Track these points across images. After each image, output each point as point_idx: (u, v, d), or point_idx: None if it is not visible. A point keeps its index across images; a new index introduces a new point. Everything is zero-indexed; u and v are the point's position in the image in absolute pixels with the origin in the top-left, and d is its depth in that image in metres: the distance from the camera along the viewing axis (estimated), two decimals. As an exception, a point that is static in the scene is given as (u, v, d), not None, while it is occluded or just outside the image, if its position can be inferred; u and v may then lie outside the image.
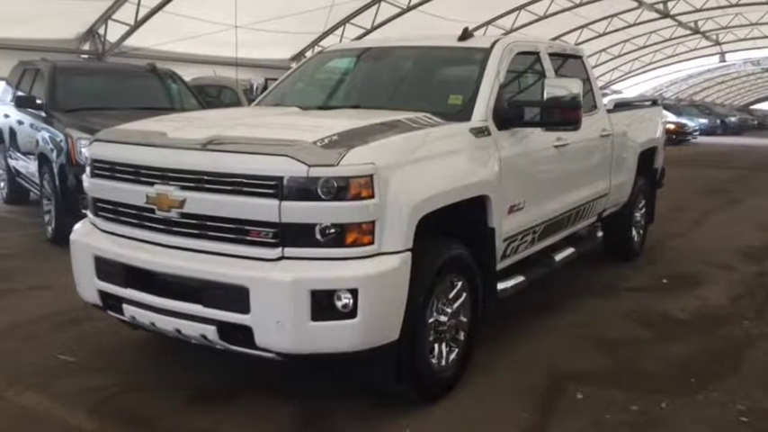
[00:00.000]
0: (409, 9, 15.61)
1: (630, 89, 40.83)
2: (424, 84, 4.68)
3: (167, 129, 3.61)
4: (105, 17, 11.40)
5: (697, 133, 27.74)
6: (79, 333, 4.56)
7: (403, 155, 3.35)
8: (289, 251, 3.12)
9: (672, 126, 25.96)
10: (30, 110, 8.07)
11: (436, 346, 3.67)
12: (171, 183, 3.31)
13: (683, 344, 4.71)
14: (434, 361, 3.65)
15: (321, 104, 4.51)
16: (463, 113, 4.11)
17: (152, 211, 3.39)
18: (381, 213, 3.15)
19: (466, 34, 4.77)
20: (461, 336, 3.85)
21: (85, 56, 11.71)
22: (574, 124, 4.23)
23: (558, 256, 5.11)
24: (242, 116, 4.50)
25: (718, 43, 30.26)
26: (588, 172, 5.51)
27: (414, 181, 3.32)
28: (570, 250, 5.33)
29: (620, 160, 6.19)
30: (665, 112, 25.20)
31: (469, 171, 3.79)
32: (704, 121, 32.37)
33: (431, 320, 3.59)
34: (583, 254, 5.71)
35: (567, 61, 5.67)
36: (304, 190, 3.06)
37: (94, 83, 8.47)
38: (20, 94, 8.69)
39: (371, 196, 3.12)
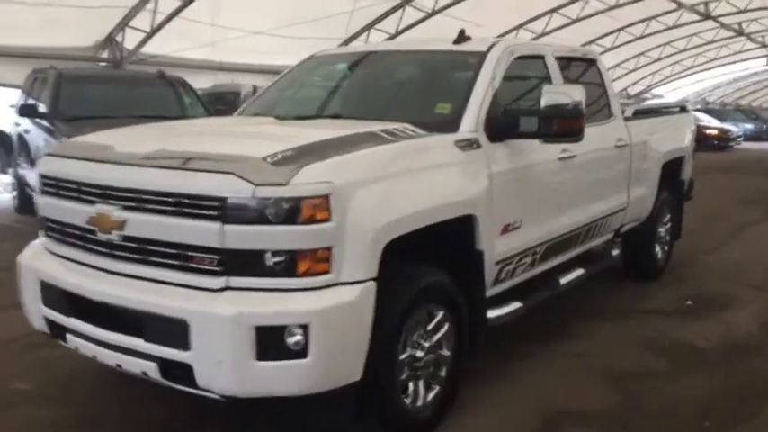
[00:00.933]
0: (434, 13, 15.24)
1: (672, 93, 39.74)
2: (411, 91, 4.31)
3: (117, 142, 3.31)
4: (123, 24, 11.30)
5: (741, 139, 26.75)
6: (39, 358, 4.28)
7: (368, 171, 2.99)
8: (234, 281, 2.78)
9: (714, 132, 25.16)
10: (35, 118, 7.94)
11: (411, 384, 3.29)
12: (111, 202, 3.01)
13: (702, 379, 4.23)
14: (408, 401, 3.27)
15: (300, 114, 4.17)
16: (450, 124, 3.73)
17: (93, 232, 3.09)
18: (339, 238, 2.80)
19: (462, 37, 4.39)
20: (443, 371, 3.46)
21: (104, 64, 11.64)
22: (575, 136, 3.81)
23: (564, 279, 4.68)
24: (206, 127, 4.19)
25: (764, 45, 29.12)
26: (601, 185, 5.06)
27: (381, 201, 2.96)
28: (579, 272, 4.89)
29: (640, 172, 5.72)
30: (706, 118, 24.43)
31: (451, 189, 3.40)
32: (749, 126, 31.24)
33: (404, 356, 3.21)
34: (596, 274, 5.27)
35: (579, 66, 5.24)
36: (250, 212, 2.72)
37: (100, 91, 8.31)
38: (28, 102, 8.58)
39: (327, 219, 2.76)
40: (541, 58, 4.61)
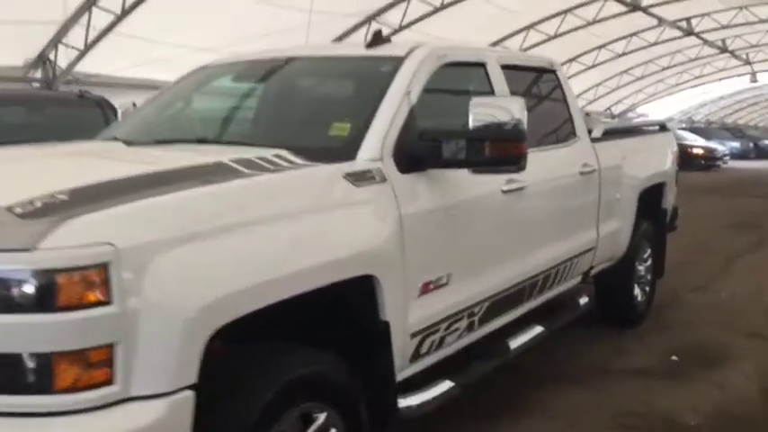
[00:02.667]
0: (402, 29, 14.39)
1: (657, 112, 39.08)
2: (305, 108, 3.36)
3: None
4: (55, 41, 10.35)
5: (728, 158, 26.01)
6: None
7: (181, 225, 2.00)
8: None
9: (700, 151, 24.41)
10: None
11: None
12: None
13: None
14: None
15: (163, 137, 3.21)
16: (346, 150, 2.77)
17: None
18: (128, 330, 1.82)
19: (378, 39, 3.45)
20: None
21: (36, 84, 10.70)
22: (515, 163, 2.86)
23: (516, 342, 3.70)
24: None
25: (748, 63, 28.52)
26: (562, 221, 4.11)
27: (202, 269, 1.98)
28: (536, 330, 3.92)
29: (612, 202, 4.78)
30: (692, 136, 23.65)
31: (333, 241, 2.42)
32: (736, 144, 30.58)
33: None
34: (561, 329, 4.30)
35: (533, 77, 4.31)
36: (-21, 294, 1.75)
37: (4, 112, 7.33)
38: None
39: (105, 302, 1.79)
40: (482, 65, 3.68)
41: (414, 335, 2.84)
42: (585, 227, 4.43)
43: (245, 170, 2.37)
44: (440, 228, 2.98)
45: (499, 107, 2.85)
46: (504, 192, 3.44)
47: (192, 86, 3.79)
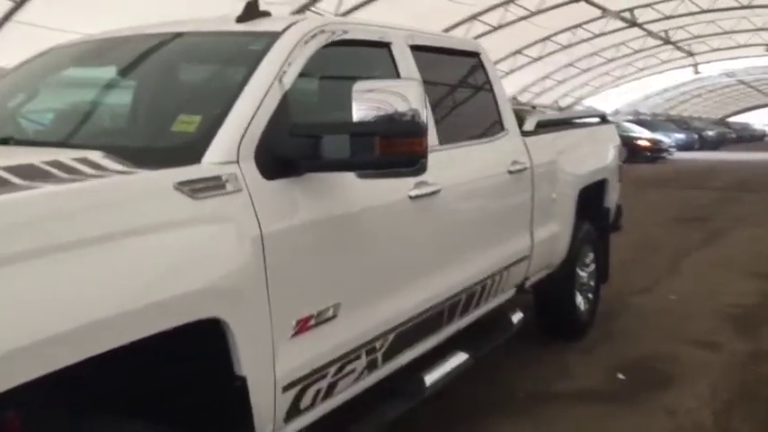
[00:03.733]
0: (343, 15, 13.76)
1: (602, 105, 39.23)
2: (151, 97, 2.69)
3: None
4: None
5: (673, 149, 26.08)
6: None
7: None
8: None
9: (646, 143, 24.38)
10: None
11: None
12: None
13: None
14: None
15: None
16: (190, 150, 2.12)
17: None
18: None
19: (251, 11, 2.78)
20: None
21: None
22: (410, 164, 2.25)
23: (433, 376, 3.09)
24: None
25: (690, 54, 28.70)
26: (488, 229, 3.53)
27: None
28: (459, 359, 3.32)
29: (548, 203, 4.23)
30: (638, 128, 23.60)
31: (147, 278, 1.76)
32: (681, 136, 30.77)
33: None
34: (490, 353, 3.72)
35: (452, 61, 3.72)
36: None
37: None
38: None
39: None
40: (385, 46, 3.06)
41: (287, 387, 2.21)
42: (517, 233, 3.87)
43: (19, 181, 1.70)
44: (321, 247, 2.35)
45: (392, 93, 2.23)
46: (412, 198, 2.84)
47: (31, 72, 3.07)
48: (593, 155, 5.04)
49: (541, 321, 4.91)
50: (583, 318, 5.01)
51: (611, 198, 5.43)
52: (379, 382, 2.85)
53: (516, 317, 3.96)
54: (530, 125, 4.27)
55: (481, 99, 3.84)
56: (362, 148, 2.19)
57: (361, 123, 2.20)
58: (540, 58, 22.11)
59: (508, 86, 24.69)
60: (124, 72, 2.84)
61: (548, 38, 20.79)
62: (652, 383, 4.20)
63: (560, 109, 31.48)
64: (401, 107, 2.22)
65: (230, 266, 1.95)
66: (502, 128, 3.85)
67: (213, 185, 1.99)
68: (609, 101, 38.02)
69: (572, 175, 4.53)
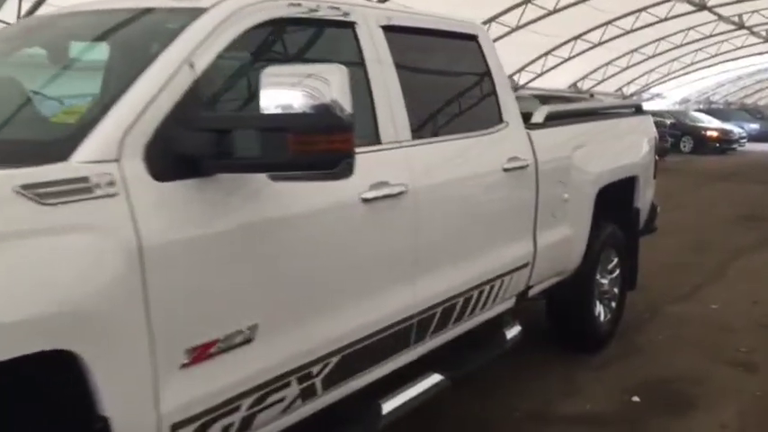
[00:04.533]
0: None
1: (673, 92, 37.56)
2: (46, 81, 2.39)
3: None
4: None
5: (745, 140, 24.69)
6: None
7: None
8: None
9: (714, 133, 23.18)
10: None
11: None
12: None
13: None
14: None
15: None
16: (63, 145, 1.81)
17: None
18: None
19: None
20: None
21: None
22: (329, 167, 1.89)
23: (392, 404, 2.72)
24: None
25: (767, 40, 27.00)
26: (472, 235, 3.13)
27: None
28: (431, 380, 2.94)
29: (557, 204, 3.80)
30: (707, 118, 22.42)
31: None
32: (755, 126, 29.11)
33: None
34: (470, 373, 3.34)
35: (442, 44, 3.31)
36: None
37: None
38: None
39: None
40: (348, 26, 2.69)
41: (179, 425, 1.90)
42: (515, 238, 3.46)
43: None
44: (233, 261, 2.02)
45: (310, 80, 1.88)
46: (366, 201, 2.48)
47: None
48: (620, 149, 4.55)
49: (554, 331, 4.49)
50: (602, 329, 4.55)
51: (644, 197, 4.92)
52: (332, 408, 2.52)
53: (512, 331, 3.55)
54: (539, 117, 3.84)
55: (476, 87, 3.44)
56: (274, 145, 1.85)
57: (270, 117, 1.86)
58: (601, 43, 21.10)
59: (567, 73, 23.87)
60: (31, 54, 2.56)
61: (609, 22, 19.81)
62: (670, 408, 3.74)
63: (624, 97, 30.26)
64: (321, 97, 1.86)
65: (87, 287, 1.64)
66: (500, 119, 3.43)
67: (75, 189, 1.69)
68: (679, 88, 36.37)
69: (590, 173, 4.07)
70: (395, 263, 2.66)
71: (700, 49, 27.27)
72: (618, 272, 4.71)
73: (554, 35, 19.30)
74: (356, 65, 2.66)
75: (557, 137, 3.85)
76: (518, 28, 17.13)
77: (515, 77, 21.83)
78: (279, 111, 1.86)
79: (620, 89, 29.69)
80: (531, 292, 3.81)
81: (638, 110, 5.16)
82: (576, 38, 20.28)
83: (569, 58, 21.55)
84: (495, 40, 13.84)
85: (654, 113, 20.33)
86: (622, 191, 4.64)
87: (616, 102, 7.15)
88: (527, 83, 22.07)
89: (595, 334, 4.48)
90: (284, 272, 2.19)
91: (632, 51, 24.35)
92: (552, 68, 21.99)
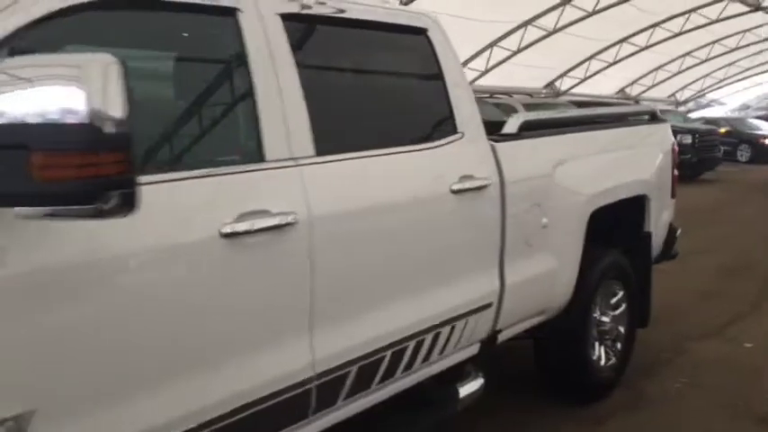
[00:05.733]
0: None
1: (731, 98, 35.89)
2: None
3: None
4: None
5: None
6: None
7: None
8: None
9: (771, 141, 21.76)
10: None
11: None
12: None
13: None
14: None
15: None
16: None
17: None
18: None
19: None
20: None
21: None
22: (88, 201, 1.32)
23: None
24: None
25: (833, 42, 25.39)
26: (399, 274, 2.51)
27: None
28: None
29: (533, 232, 3.15)
30: (765, 125, 21.11)
31: None
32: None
33: None
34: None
35: (372, 39, 2.70)
36: None
37: None
38: None
39: None
40: (228, 13, 2.12)
41: None
42: (470, 274, 2.82)
43: None
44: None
45: (65, 77, 1.31)
46: (229, 236, 1.90)
47: None
48: (623, 164, 3.86)
49: (544, 378, 3.83)
50: (601, 376, 3.86)
51: (657, 219, 4.22)
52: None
53: (468, 387, 2.90)
54: (511, 126, 3.20)
55: (421, 91, 2.83)
56: (10, 168, 1.29)
57: (5, 127, 1.31)
58: (648, 46, 20.03)
59: (614, 79, 22.79)
60: None
61: (657, 24, 18.76)
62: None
63: (678, 103, 28.93)
64: (79, 100, 1.30)
65: None
66: (453, 130, 2.81)
67: None
68: (737, 94, 34.74)
69: (579, 193, 3.41)
70: (276, 313, 2.07)
71: (758, 53, 25.83)
72: (624, 307, 4.01)
73: (597, 38, 18.37)
74: (234, 61, 2.10)
75: (533, 150, 3.20)
76: (556, 31, 16.29)
77: (557, 83, 20.95)
78: (18, 119, 1.30)
79: (672, 95, 28.41)
80: (502, 337, 3.17)
81: (653, 117, 4.45)
82: (620, 41, 19.30)
83: (614, 63, 20.55)
84: (531, 45, 12.91)
85: (708, 121, 19.20)
86: (628, 213, 3.96)
87: (623, 108, 6.41)
88: (569, 89, 21.15)
89: (592, 382, 3.79)
90: (74, 340, 1.62)
91: (684, 55, 23.16)
92: (596, 73, 21.01)
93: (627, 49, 20.04)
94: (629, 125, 4.19)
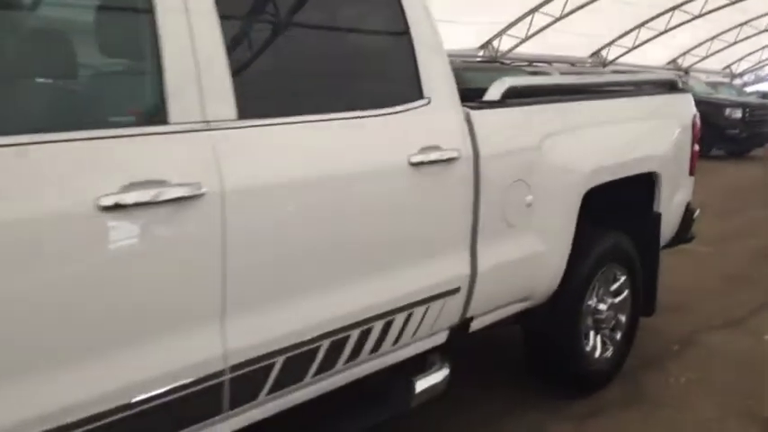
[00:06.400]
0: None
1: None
2: None
3: None
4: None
5: None
6: None
7: None
8: None
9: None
10: None
11: None
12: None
13: None
14: None
15: None
16: None
17: None
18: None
19: None
20: None
21: None
22: None
23: None
24: None
25: None
26: (349, 253, 2.25)
27: None
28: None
29: (515, 210, 2.84)
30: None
31: None
32: None
33: None
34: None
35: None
36: None
37: None
38: None
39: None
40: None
41: None
42: (431, 255, 2.54)
43: None
44: None
45: None
46: (110, 209, 1.66)
47: None
48: (629, 138, 3.50)
49: (532, 367, 3.55)
50: (596, 367, 3.55)
51: (671, 199, 3.85)
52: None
53: (428, 380, 2.63)
54: (494, 93, 2.87)
55: (380, 48, 2.52)
56: None
57: None
58: (702, 14, 19.04)
59: (666, 48, 21.79)
60: None
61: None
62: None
63: (733, 75, 27.66)
64: None
65: None
66: (418, 94, 2.50)
67: None
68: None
69: (571, 170, 3.07)
70: (175, 298, 1.83)
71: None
72: (626, 294, 3.67)
73: (647, 5, 17.52)
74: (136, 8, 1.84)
75: (518, 120, 2.88)
76: (561, 18, 15.59)
77: (603, 52, 20.14)
78: None
79: (727, 67, 27.18)
80: (476, 325, 2.89)
81: (673, 87, 4.05)
82: (672, 8, 18.38)
83: (665, 31, 19.62)
84: (575, 10, 12.42)
85: (764, 95, 18.15)
86: (636, 191, 3.61)
87: (635, 76, 5.94)
88: (616, 58, 20.32)
89: (584, 375, 3.48)
90: None
91: (741, 25, 22.01)
92: (646, 42, 20.11)
93: (679, 17, 19.10)
94: (640, 95, 3.80)
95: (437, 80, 2.55)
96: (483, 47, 16.90)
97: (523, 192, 2.87)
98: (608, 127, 3.34)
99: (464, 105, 2.66)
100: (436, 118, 2.52)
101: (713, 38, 22.76)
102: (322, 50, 2.33)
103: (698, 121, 4.06)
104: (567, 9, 16.14)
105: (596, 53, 20.23)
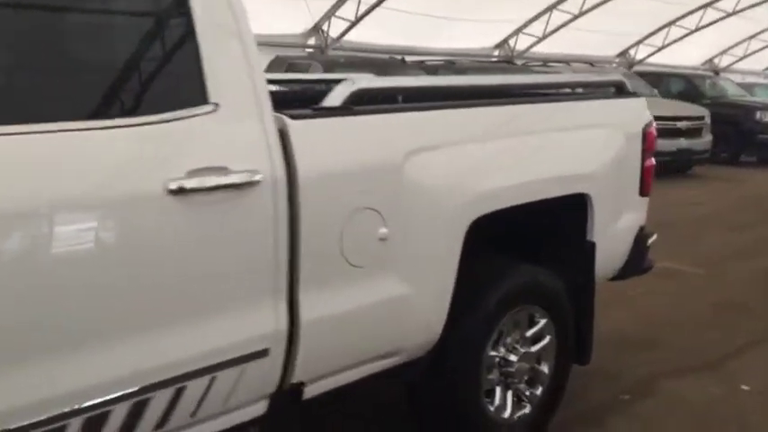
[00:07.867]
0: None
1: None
2: None
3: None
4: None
5: None
6: None
7: None
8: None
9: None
10: None
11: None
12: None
13: None
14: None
15: None
16: None
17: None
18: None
19: None
20: None
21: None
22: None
23: None
24: None
25: None
26: (79, 310, 1.67)
27: None
28: None
29: (361, 247, 2.22)
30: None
31: None
32: None
33: None
34: None
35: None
36: None
37: None
38: None
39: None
40: None
41: None
42: (212, 311, 1.93)
43: None
44: None
45: None
46: None
47: None
48: (543, 152, 2.83)
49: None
50: (505, 430, 2.90)
51: (610, 224, 3.18)
52: None
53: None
54: (335, 98, 2.24)
55: (139, 34, 1.92)
56: None
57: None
58: (736, 12, 17.92)
59: (699, 47, 20.63)
60: None
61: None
62: None
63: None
64: None
65: None
66: (200, 99, 1.90)
67: None
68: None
69: (448, 194, 2.43)
70: None
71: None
72: (548, 340, 3.02)
73: (677, 2, 16.55)
74: None
75: (366, 132, 2.25)
76: (579, 15, 14.79)
77: (631, 51, 19.16)
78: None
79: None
80: (314, 390, 2.28)
81: (620, 90, 3.36)
82: (704, 6, 17.33)
83: (696, 30, 18.56)
84: (594, 8, 11.85)
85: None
86: (560, 217, 2.95)
87: (562, 77, 5.20)
88: (645, 58, 19.32)
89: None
90: None
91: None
92: (676, 41, 19.07)
93: (712, 14, 18.03)
94: (567, 100, 3.13)
95: (231, 80, 1.95)
96: (498, 46, 16.19)
97: (374, 223, 2.25)
98: (511, 140, 2.69)
99: (280, 113, 2.06)
100: (224, 130, 1.92)
101: (751, 37, 21.52)
102: (56, 42, 1.75)
103: (653, 130, 3.38)
104: (587, 6, 15.31)
105: (624, 52, 19.27)
